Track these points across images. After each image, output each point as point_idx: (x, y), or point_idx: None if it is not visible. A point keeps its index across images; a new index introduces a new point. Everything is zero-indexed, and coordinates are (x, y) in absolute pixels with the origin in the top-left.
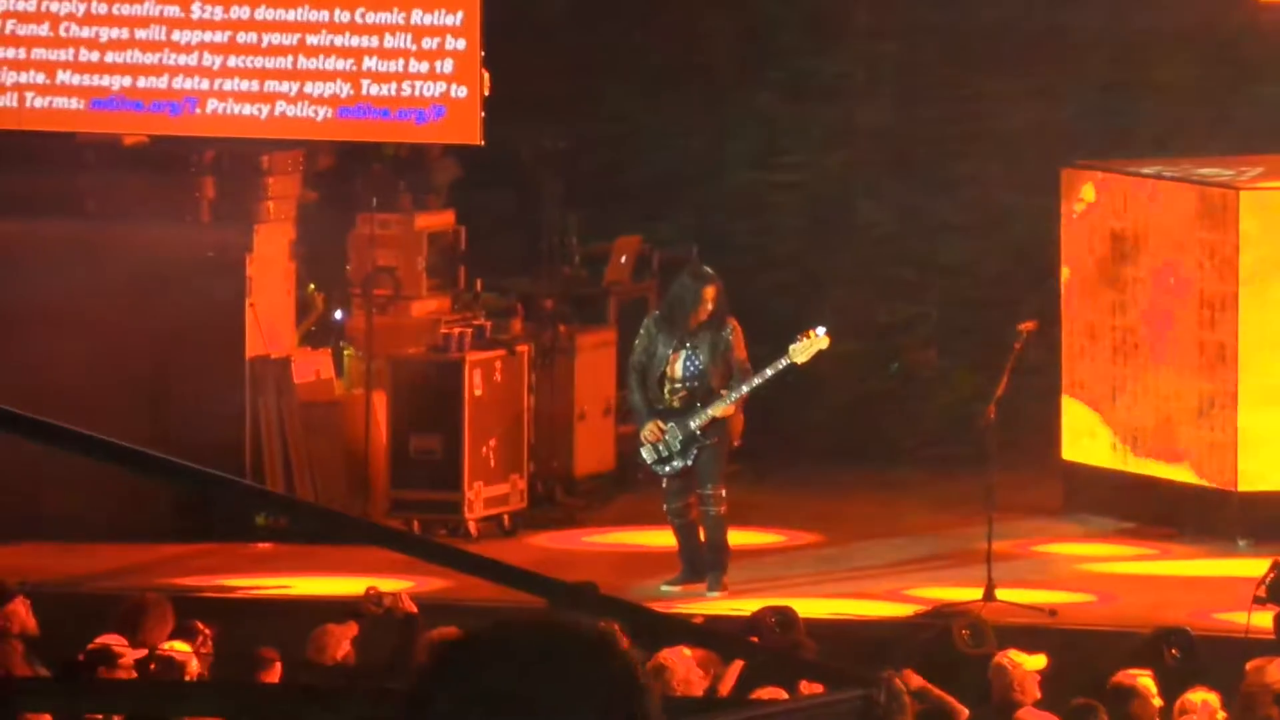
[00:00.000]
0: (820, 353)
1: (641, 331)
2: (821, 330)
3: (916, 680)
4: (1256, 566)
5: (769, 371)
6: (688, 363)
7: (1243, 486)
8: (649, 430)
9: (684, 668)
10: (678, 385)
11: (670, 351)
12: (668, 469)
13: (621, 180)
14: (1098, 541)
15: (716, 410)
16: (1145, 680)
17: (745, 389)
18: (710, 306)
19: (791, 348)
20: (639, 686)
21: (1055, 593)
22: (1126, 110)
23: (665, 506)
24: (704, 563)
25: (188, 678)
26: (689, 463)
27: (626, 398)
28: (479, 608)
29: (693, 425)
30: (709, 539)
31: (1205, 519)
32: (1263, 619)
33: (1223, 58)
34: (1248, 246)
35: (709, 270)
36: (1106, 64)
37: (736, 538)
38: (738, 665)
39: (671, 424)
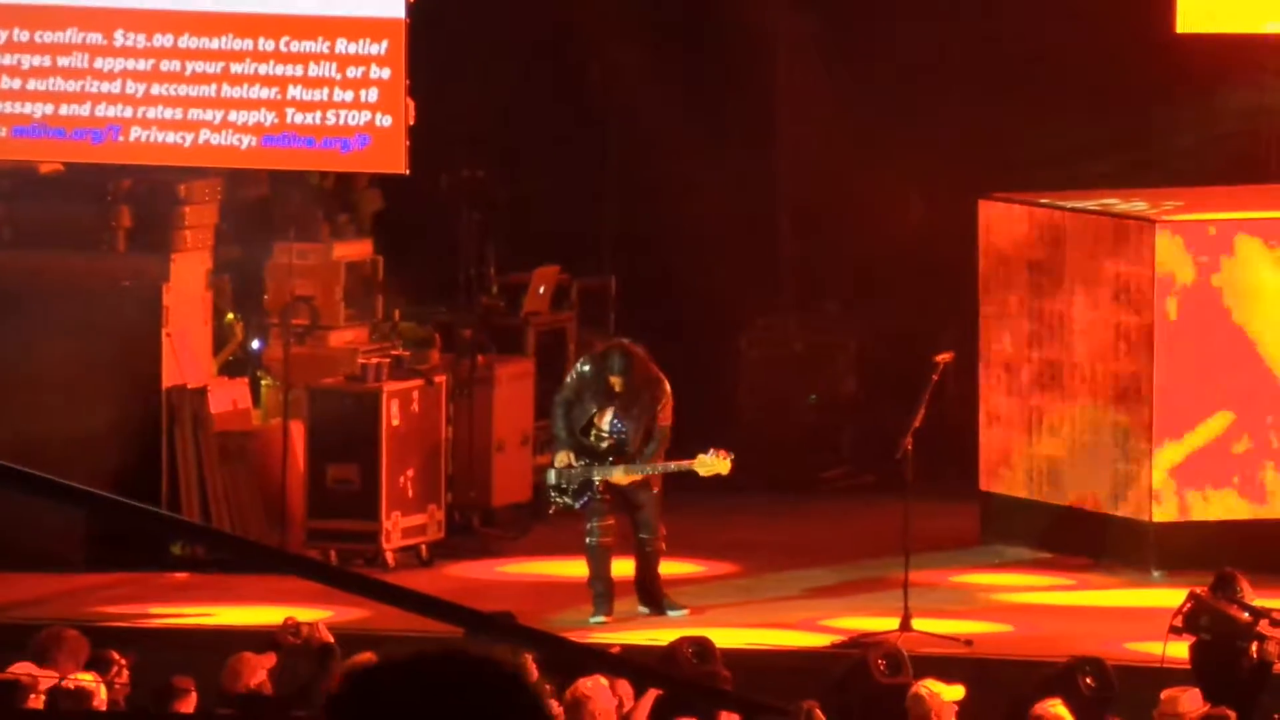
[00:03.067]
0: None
1: (575, 373)
2: (730, 458)
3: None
4: (1171, 597)
5: (671, 466)
6: (615, 420)
7: (1157, 518)
8: (561, 457)
9: (604, 698)
10: (603, 435)
11: (598, 407)
12: (559, 500)
13: (539, 210)
14: (1014, 571)
15: (614, 476)
16: (1059, 709)
17: (644, 470)
18: (618, 390)
19: (700, 456)
20: (546, 719)
21: (971, 622)
22: (1044, 142)
23: (587, 526)
24: (609, 589)
25: (96, 708)
26: (576, 506)
27: (551, 427)
28: (396, 637)
29: (596, 477)
30: (647, 570)
31: (1120, 550)
32: (1178, 649)
33: (1140, 89)
34: (1163, 279)
35: (621, 358)
36: (1025, 96)
37: None
38: (651, 696)
39: (584, 462)
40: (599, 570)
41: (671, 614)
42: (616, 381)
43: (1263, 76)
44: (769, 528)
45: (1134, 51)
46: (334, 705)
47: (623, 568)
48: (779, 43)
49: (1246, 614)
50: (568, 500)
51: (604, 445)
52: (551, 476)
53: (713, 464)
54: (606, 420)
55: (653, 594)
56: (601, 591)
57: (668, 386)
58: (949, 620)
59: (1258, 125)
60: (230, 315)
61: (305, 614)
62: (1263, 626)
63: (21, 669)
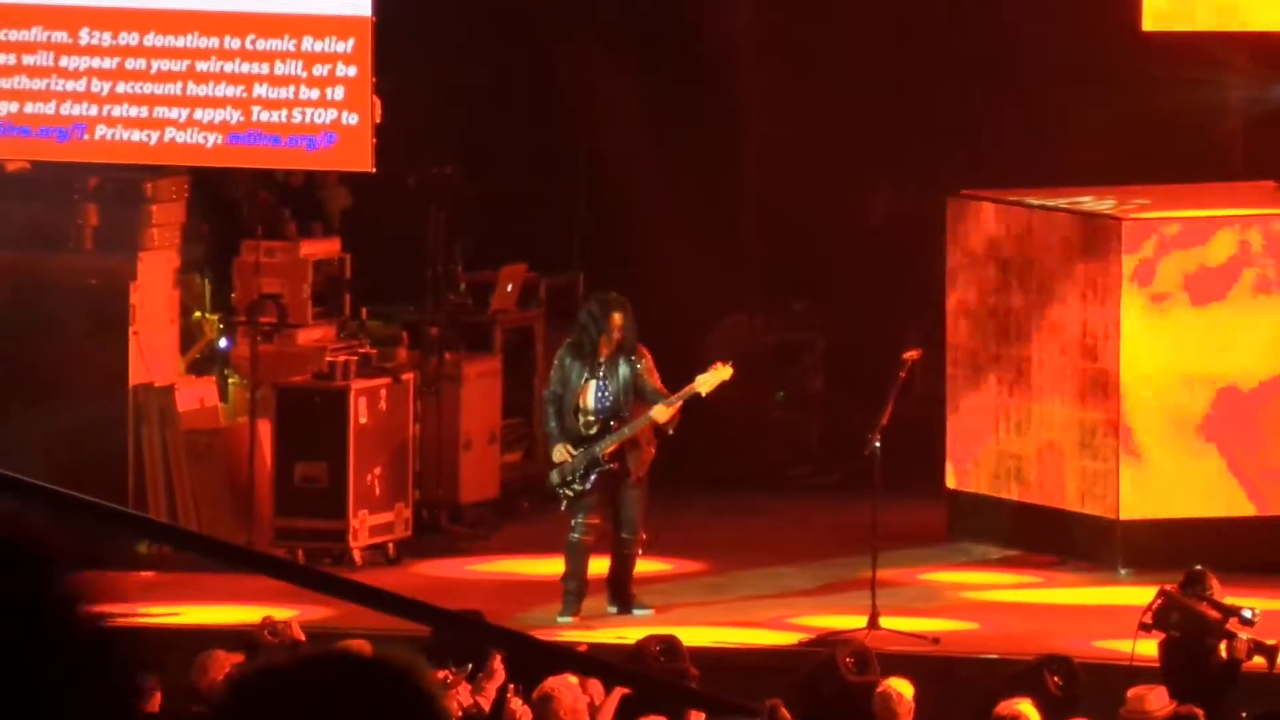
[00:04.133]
0: (722, 383)
1: (555, 363)
2: (729, 365)
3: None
4: (1137, 594)
5: (678, 397)
6: (599, 393)
7: (1124, 515)
8: (558, 452)
9: (571, 696)
10: (590, 416)
11: (582, 382)
12: (569, 491)
13: (507, 208)
14: (981, 569)
15: (625, 434)
16: (1026, 707)
17: (669, 402)
18: (617, 335)
19: (699, 378)
20: None
21: (939, 620)
22: (1012, 140)
23: (572, 521)
24: (581, 589)
25: None
26: (588, 487)
27: (543, 426)
28: (363, 636)
29: (597, 450)
30: (622, 569)
31: (1087, 547)
32: (1148, 647)
33: (1107, 86)
34: (1130, 276)
35: (616, 295)
36: (991, 94)
37: None
38: (617, 694)
39: (580, 449)
40: (575, 568)
41: (637, 613)
42: (617, 319)
43: (1228, 74)
44: (736, 526)
45: (1100, 49)
46: (219, 714)
47: (598, 566)
48: (745, 41)
49: (1216, 612)
50: (577, 486)
51: (594, 430)
52: (554, 476)
53: (712, 377)
54: (590, 396)
55: (622, 593)
56: (574, 590)
57: (646, 351)
58: (917, 618)
59: (1223, 122)
60: (198, 313)
61: (273, 613)
62: (1232, 624)
63: None
